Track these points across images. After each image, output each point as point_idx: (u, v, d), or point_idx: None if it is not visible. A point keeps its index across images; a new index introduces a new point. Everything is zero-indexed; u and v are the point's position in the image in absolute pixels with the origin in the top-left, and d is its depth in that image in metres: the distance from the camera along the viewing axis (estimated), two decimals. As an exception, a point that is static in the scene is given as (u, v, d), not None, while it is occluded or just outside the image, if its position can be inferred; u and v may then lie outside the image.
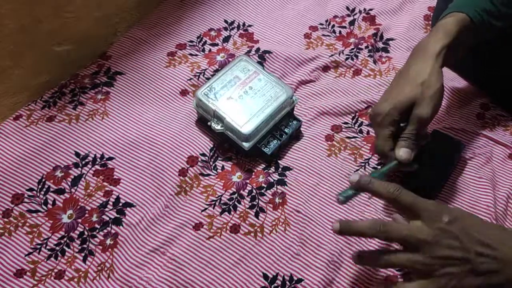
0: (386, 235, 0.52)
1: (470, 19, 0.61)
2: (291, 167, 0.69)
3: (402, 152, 0.60)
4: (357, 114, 0.75)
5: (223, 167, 0.69)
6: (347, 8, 0.88)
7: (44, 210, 0.65)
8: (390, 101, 0.60)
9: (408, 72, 0.61)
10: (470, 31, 0.61)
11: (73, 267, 0.61)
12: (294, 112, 0.72)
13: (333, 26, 0.85)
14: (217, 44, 0.82)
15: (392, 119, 0.60)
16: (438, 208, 0.52)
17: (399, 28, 0.85)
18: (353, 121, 0.74)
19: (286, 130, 0.70)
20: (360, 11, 0.88)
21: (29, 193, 0.66)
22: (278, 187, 0.68)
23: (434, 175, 0.67)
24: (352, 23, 0.86)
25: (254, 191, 0.67)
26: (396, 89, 0.61)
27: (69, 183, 0.67)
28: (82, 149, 0.70)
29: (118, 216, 0.65)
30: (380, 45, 0.83)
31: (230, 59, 0.79)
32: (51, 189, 0.66)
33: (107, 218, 0.65)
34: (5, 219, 0.64)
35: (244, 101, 0.68)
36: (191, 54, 0.80)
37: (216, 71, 0.78)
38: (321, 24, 0.86)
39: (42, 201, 0.66)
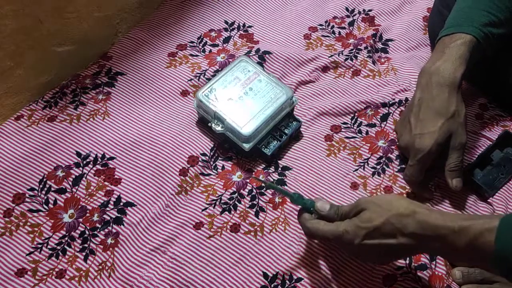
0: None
1: (476, 39, 0.63)
2: (290, 167, 0.70)
3: (457, 182, 0.63)
4: (356, 114, 0.75)
5: (223, 167, 0.70)
6: (347, 9, 0.88)
7: (45, 210, 0.65)
8: (430, 137, 0.61)
9: (435, 104, 0.62)
10: (478, 50, 0.64)
11: (74, 266, 0.62)
12: (294, 112, 0.73)
13: (333, 27, 0.86)
14: (217, 45, 0.82)
15: (436, 155, 0.62)
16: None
17: (398, 29, 0.86)
18: (352, 121, 0.75)
19: (286, 131, 0.70)
20: (359, 12, 0.88)
21: (30, 193, 0.66)
22: (279, 186, 0.68)
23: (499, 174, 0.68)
24: (351, 24, 0.86)
25: (254, 190, 0.68)
26: (430, 123, 0.62)
27: (70, 183, 0.67)
28: (83, 149, 0.70)
29: (119, 215, 0.65)
30: (379, 45, 0.84)
31: (230, 60, 0.79)
32: (52, 189, 0.67)
33: (108, 218, 0.65)
34: (6, 219, 0.64)
35: (244, 102, 0.69)
36: (191, 55, 0.81)
37: (217, 71, 0.78)
38: (321, 25, 0.86)
39: (43, 200, 0.66)
